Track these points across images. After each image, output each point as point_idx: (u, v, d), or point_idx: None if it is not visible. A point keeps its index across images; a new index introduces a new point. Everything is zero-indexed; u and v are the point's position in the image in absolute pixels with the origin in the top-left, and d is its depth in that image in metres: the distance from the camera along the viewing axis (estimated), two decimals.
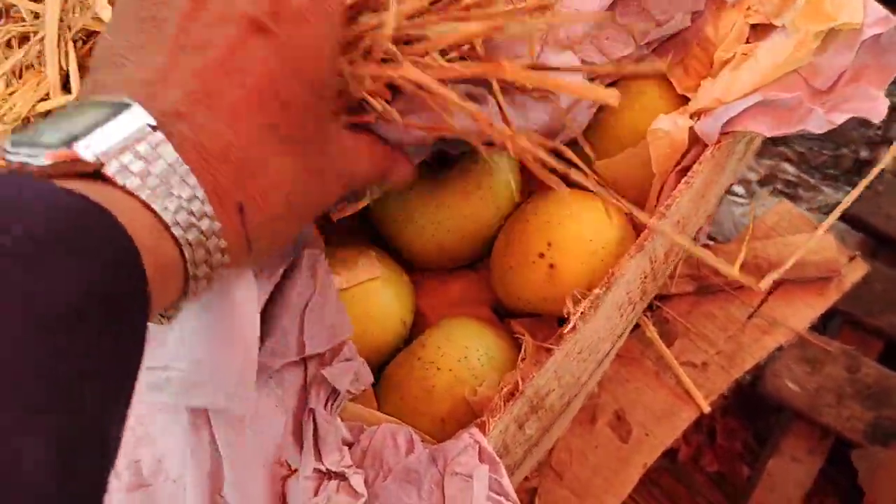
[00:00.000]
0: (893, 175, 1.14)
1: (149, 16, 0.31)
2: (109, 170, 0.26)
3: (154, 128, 0.27)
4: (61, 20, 0.50)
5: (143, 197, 0.27)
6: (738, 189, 1.26)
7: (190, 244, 0.28)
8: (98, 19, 0.50)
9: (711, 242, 0.88)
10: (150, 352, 0.27)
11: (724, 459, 1.11)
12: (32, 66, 0.51)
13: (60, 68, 0.49)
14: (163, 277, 0.27)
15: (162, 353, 0.38)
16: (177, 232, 0.28)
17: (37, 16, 0.52)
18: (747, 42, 0.50)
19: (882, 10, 0.46)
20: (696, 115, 0.49)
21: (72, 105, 0.29)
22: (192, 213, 0.28)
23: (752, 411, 1.13)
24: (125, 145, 0.27)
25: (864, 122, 1.31)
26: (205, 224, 0.29)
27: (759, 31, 0.50)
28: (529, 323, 0.50)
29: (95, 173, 0.26)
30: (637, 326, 0.83)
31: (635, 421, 0.80)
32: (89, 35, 0.51)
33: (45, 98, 0.49)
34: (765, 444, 1.08)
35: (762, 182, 1.27)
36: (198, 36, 0.30)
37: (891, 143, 1.16)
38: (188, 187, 0.28)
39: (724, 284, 0.83)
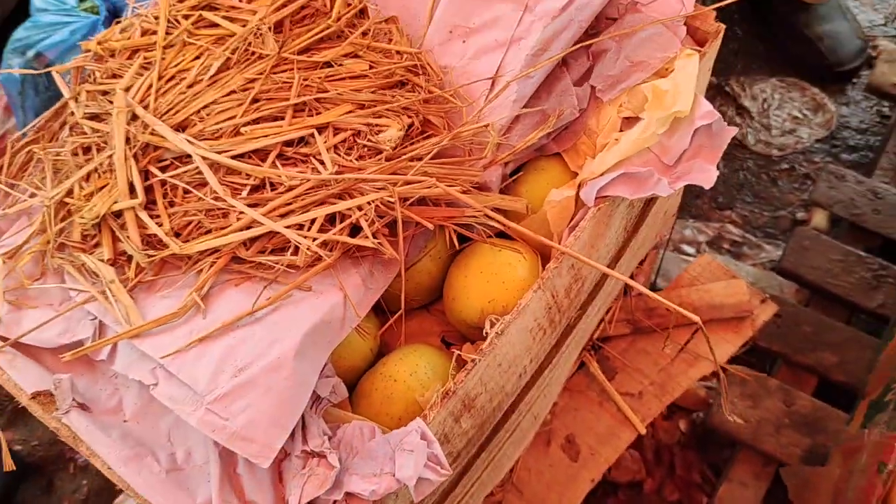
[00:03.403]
0: (823, 233, 1.30)
1: None
2: None
3: None
4: (127, 140, 0.67)
5: None
6: (689, 249, 1.42)
7: None
8: (155, 134, 0.67)
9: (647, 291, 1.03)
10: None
11: (684, 489, 1.24)
12: (98, 171, 0.68)
13: (127, 179, 0.66)
14: None
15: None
16: None
17: (95, 130, 0.70)
18: (620, 130, 0.67)
19: (709, 106, 0.63)
20: (581, 185, 0.66)
21: None
22: None
23: (707, 445, 1.26)
24: None
25: (799, 187, 1.48)
26: None
27: (629, 122, 0.67)
28: (468, 348, 0.66)
29: None
30: (583, 364, 0.99)
31: (583, 443, 0.94)
32: (146, 147, 0.67)
33: (117, 201, 0.65)
34: (719, 474, 1.21)
35: (710, 243, 1.43)
36: None
37: (818, 205, 1.32)
38: None
39: (656, 326, 0.99)
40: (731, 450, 1.21)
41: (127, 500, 1.16)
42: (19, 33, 1.30)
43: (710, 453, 1.26)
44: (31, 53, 1.30)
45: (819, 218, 1.41)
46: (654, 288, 1.14)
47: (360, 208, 0.60)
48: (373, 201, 0.60)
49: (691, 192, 1.47)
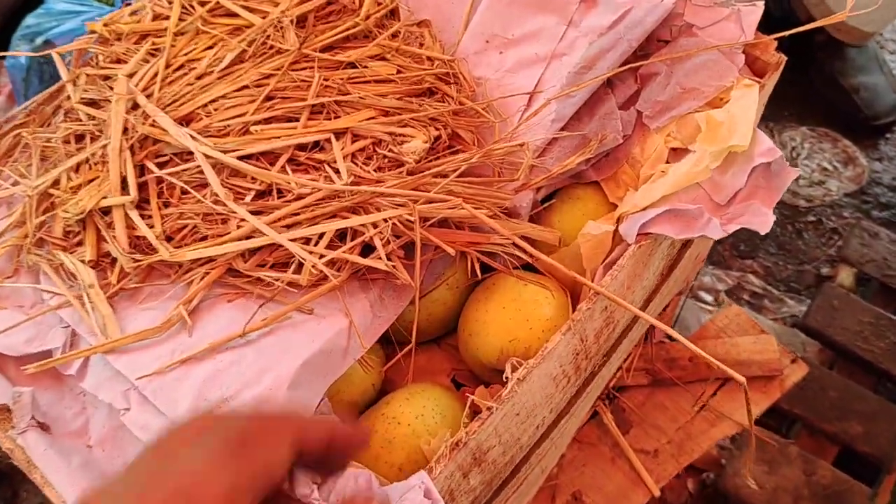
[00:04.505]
0: (849, 291, 1.24)
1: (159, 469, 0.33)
2: None
3: None
4: (125, 130, 0.60)
5: None
6: (707, 297, 1.35)
7: None
8: (156, 126, 0.60)
9: (667, 340, 0.97)
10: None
11: None
12: (89, 162, 0.61)
13: (120, 173, 0.59)
14: None
15: None
16: None
17: (91, 117, 0.64)
18: (667, 162, 0.61)
19: (770, 143, 0.57)
20: (620, 218, 0.59)
21: None
22: None
23: None
24: None
25: (825, 241, 1.42)
26: None
27: (677, 153, 0.61)
28: (482, 392, 0.59)
29: None
30: (596, 414, 0.91)
31: (591, 501, 0.87)
32: (145, 139, 0.61)
33: (106, 196, 0.59)
34: None
35: (729, 292, 1.36)
36: None
37: (847, 262, 1.26)
38: None
39: (676, 379, 0.92)
40: None
41: None
42: (30, 20, 1.25)
43: None
44: (39, 40, 1.25)
45: (845, 275, 1.34)
46: (672, 337, 1.07)
47: (374, 225, 0.54)
48: (390, 219, 0.53)
49: None
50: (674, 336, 0.55)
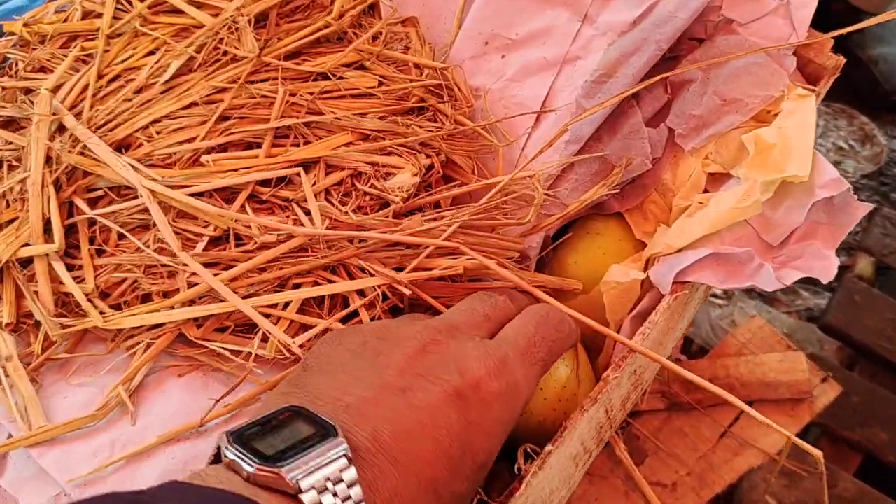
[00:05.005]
0: (870, 285, 1.15)
1: (373, 349, 0.36)
2: (306, 497, 0.29)
3: (350, 461, 0.30)
4: (48, 159, 0.50)
5: None
6: (717, 291, 1.26)
7: None
8: (87, 155, 0.50)
9: (683, 357, 0.88)
10: None
11: None
12: (5, 199, 0.51)
13: (42, 214, 0.49)
14: None
15: None
16: None
17: (7, 142, 0.53)
18: (705, 191, 0.51)
19: (834, 172, 0.47)
20: (650, 260, 0.49)
21: (283, 414, 0.32)
22: None
23: None
24: (325, 482, 0.29)
25: None
26: None
27: (716, 179, 0.51)
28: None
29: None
30: (607, 444, 0.83)
31: None
32: (73, 171, 0.51)
33: (27, 244, 0.48)
34: None
35: None
36: (408, 383, 0.34)
37: (867, 251, 1.18)
38: None
39: (696, 403, 0.83)
40: None
41: None
42: None
43: None
44: None
45: (864, 265, 1.25)
46: (686, 345, 0.98)
47: (361, 293, 0.44)
48: (380, 287, 0.43)
49: None
50: (720, 394, 0.46)
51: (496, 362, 0.36)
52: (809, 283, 1.29)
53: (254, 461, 0.29)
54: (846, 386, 1.04)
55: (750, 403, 0.85)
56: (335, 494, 0.29)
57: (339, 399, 0.33)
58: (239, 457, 0.29)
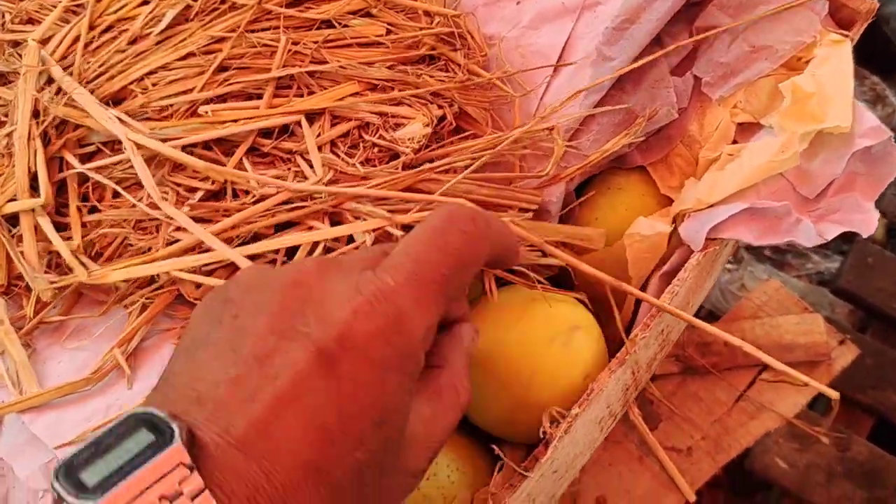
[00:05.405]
0: (883, 247, 1.13)
1: (234, 311, 0.30)
2: None
3: (191, 468, 0.25)
4: (35, 112, 0.47)
5: None
6: None
7: None
8: (75, 106, 0.47)
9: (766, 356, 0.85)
10: None
11: None
12: None
13: (28, 168, 0.46)
14: None
15: None
16: None
17: None
18: (734, 142, 0.48)
19: (874, 120, 0.44)
20: (678, 217, 0.47)
21: (122, 426, 0.27)
22: None
23: (738, 486, 1.10)
24: (158, 502, 0.25)
25: None
26: None
27: (746, 129, 0.48)
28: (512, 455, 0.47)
29: None
30: None
31: None
32: (63, 124, 0.48)
33: (13, 199, 0.46)
34: None
35: (749, 248, 1.25)
36: (266, 349, 0.28)
37: (880, 214, 1.15)
38: None
39: (711, 366, 0.81)
40: (764, 494, 1.05)
41: None
42: None
43: (740, 496, 1.10)
44: None
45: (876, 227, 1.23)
46: (696, 311, 0.96)
47: (351, 239, 0.41)
48: (372, 231, 0.40)
49: None
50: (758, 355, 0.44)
51: (367, 297, 0.29)
52: (820, 246, 1.27)
53: (73, 496, 0.25)
54: (861, 350, 1.02)
55: (765, 367, 0.83)
56: None
57: (191, 388, 0.28)
58: (61, 492, 0.25)
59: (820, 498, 0.96)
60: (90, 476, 0.25)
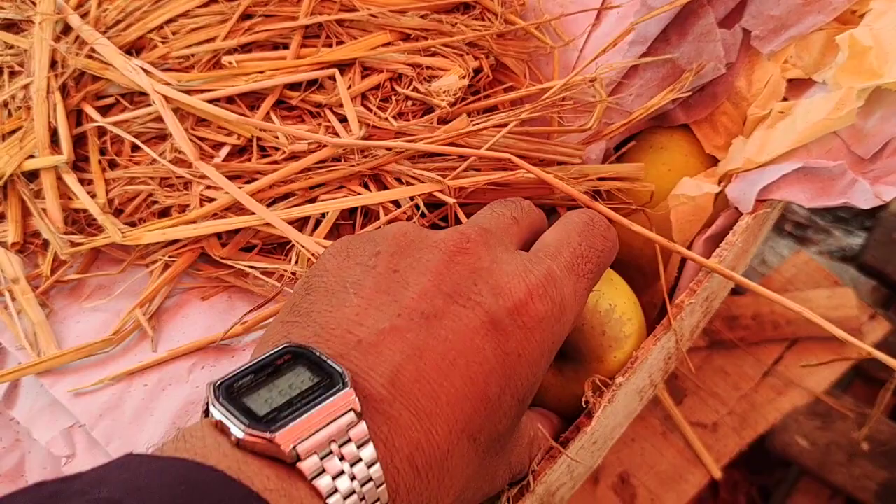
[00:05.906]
0: None
1: (389, 263, 0.29)
2: (305, 466, 0.24)
3: (359, 415, 0.25)
4: (53, 63, 0.45)
5: (331, 503, 0.24)
6: None
7: None
8: (95, 57, 0.45)
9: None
10: None
11: None
12: (8, 108, 0.46)
13: (48, 123, 0.44)
14: None
15: None
16: None
17: (8, 46, 0.48)
18: (784, 99, 0.46)
19: None
20: (724, 177, 0.44)
21: (280, 357, 0.26)
22: None
23: (757, 464, 1.08)
24: (328, 444, 0.24)
25: None
26: None
27: (797, 86, 0.46)
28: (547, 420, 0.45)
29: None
30: None
31: (640, 484, 0.75)
32: (81, 76, 0.46)
33: (32, 155, 0.44)
34: (769, 499, 1.03)
35: None
36: (433, 307, 0.28)
37: None
38: (378, 501, 0.25)
39: (738, 340, 0.79)
40: (783, 471, 1.03)
41: None
42: None
43: (759, 474, 1.09)
44: None
45: None
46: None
47: (397, 203, 0.39)
48: (422, 195, 0.38)
49: None
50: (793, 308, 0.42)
51: (540, 279, 0.30)
52: (841, 221, 1.24)
53: (243, 424, 0.23)
54: (890, 324, 1.00)
55: (793, 342, 0.81)
56: (342, 458, 0.24)
57: (348, 331, 0.27)
58: (226, 417, 0.24)
59: (840, 477, 0.94)
60: (258, 405, 0.24)
